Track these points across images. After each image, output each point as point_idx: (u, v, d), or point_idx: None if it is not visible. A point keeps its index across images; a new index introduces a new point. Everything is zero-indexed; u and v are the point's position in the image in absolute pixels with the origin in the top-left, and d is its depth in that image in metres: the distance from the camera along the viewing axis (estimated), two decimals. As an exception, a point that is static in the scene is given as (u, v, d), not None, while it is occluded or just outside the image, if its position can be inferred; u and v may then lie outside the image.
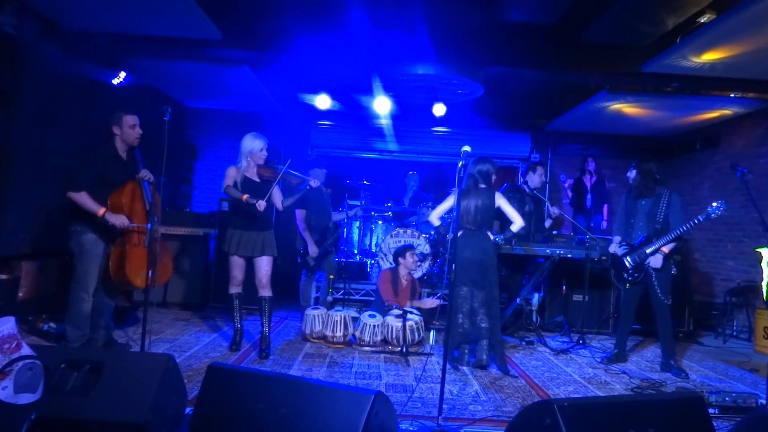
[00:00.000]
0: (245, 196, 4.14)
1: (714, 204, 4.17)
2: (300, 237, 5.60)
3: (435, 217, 4.63)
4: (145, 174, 3.92)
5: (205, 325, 5.45)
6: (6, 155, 4.49)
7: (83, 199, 3.76)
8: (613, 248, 4.77)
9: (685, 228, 4.31)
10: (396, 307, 4.91)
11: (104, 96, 5.63)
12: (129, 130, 3.94)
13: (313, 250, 5.46)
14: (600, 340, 5.73)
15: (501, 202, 4.42)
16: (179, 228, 6.28)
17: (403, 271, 5.50)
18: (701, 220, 4.23)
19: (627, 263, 4.62)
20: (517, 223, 4.41)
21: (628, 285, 4.68)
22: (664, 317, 4.52)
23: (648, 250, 4.47)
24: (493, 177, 4.48)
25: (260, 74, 6.16)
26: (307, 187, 4.56)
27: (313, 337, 4.94)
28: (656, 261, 4.44)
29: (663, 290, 4.48)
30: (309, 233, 5.50)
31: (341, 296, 6.20)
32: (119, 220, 3.80)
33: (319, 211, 5.58)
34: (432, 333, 4.95)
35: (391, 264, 5.74)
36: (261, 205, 4.17)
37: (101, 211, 3.77)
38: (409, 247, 5.62)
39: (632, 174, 4.74)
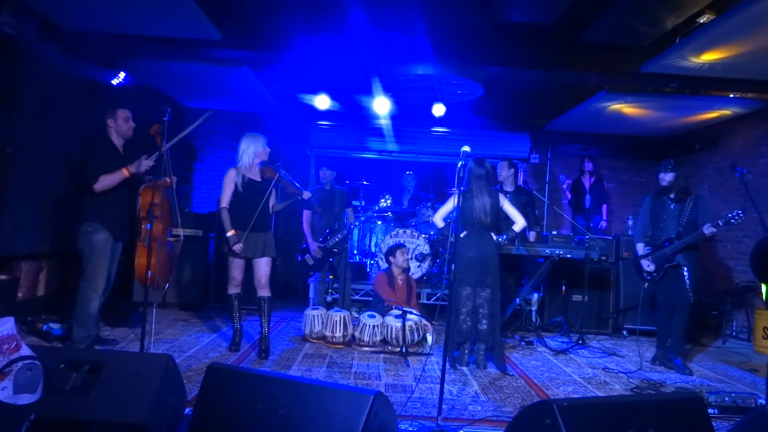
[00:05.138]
0: (232, 231, 4.27)
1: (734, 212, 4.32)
2: (304, 237, 5.61)
3: (439, 218, 4.63)
4: (168, 181, 4.00)
5: (204, 326, 5.45)
6: (6, 155, 4.49)
7: (105, 181, 3.89)
8: (641, 250, 4.86)
9: (706, 233, 4.40)
10: (396, 308, 4.91)
11: (104, 96, 5.62)
12: (122, 122, 4.09)
13: (313, 248, 5.46)
14: (599, 340, 5.73)
15: (504, 202, 4.45)
16: (178, 228, 6.26)
17: (396, 270, 5.49)
18: (721, 224, 4.34)
19: (648, 263, 4.73)
20: (519, 223, 4.44)
21: (646, 284, 4.82)
22: (684, 312, 4.59)
23: (670, 251, 4.59)
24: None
25: (260, 74, 6.16)
26: (299, 198, 4.56)
27: (313, 338, 4.94)
28: (680, 257, 4.60)
29: (693, 285, 4.57)
30: (311, 233, 5.50)
31: (339, 296, 6.20)
32: (144, 164, 3.94)
33: (322, 212, 5.56)
34: (430, 336, 4.95)
35: (386, 265, 5.72)
36: (238, 247, 4.26)
37: (125, 172, 3.92)
38: (400, 246, 5.62)
39: (669, 177, 4.65)
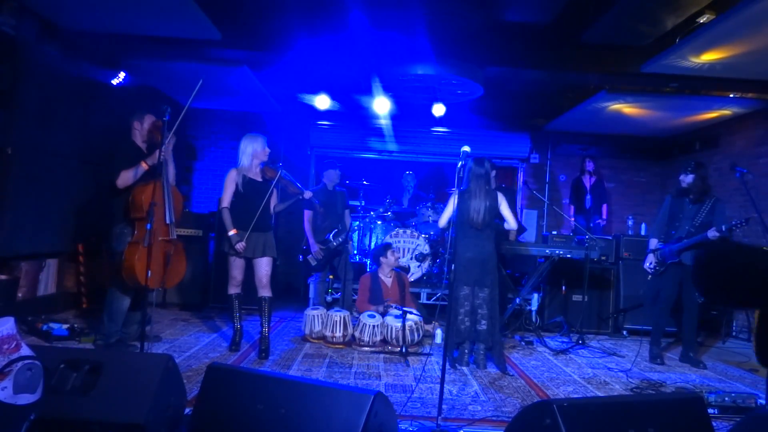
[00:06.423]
0: (234, 230, 4.29)
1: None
2: (305, 237, 5.59)
3: (444, 220, 4.59)
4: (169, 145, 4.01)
5: (204, 326, 5.45)
6: (6, 155, 4.49)
7: (124, 176, 3.95)
8: (653, 245, 4.98)
9: (709, 236, 4.45)
10: (396, 307, 4.90)
11: (104, 96, 5.63)
12: (149, 126, 4.22)
13: (315, 249, 5.45)
14: (599, 340, 5.73)
15: (502, 203, 4.45)
16: (178, 228, 6.26)
17: (385, 270, 5.41)
18: (724, 230, 4.37)
19: (652, 258, 4.89)
20: (511, 224, 4.47)
21: (650, 277, 4.94)
22: (694, 312, 4.78)
23: (676, 249, 4.69)
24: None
25: (260, 74, 6.16)
26: (300, 198, 4.57)
27: (313, 338, 4.94)
28: (686, 257, 4.68)
29: None
30: (313, 234, 5.49)
31: (340, 296, 6.20)
32: (154, 158, 3.98)
33: (325, 213, 5.53)
34: (439, 331, 4.97)
35: (374, 266, 5.62)
36: (241, 246, 4.26)
37: (144, 164, 4.00)
38: (388, 246, 5.55)
39: (688, 179, 4.72)
